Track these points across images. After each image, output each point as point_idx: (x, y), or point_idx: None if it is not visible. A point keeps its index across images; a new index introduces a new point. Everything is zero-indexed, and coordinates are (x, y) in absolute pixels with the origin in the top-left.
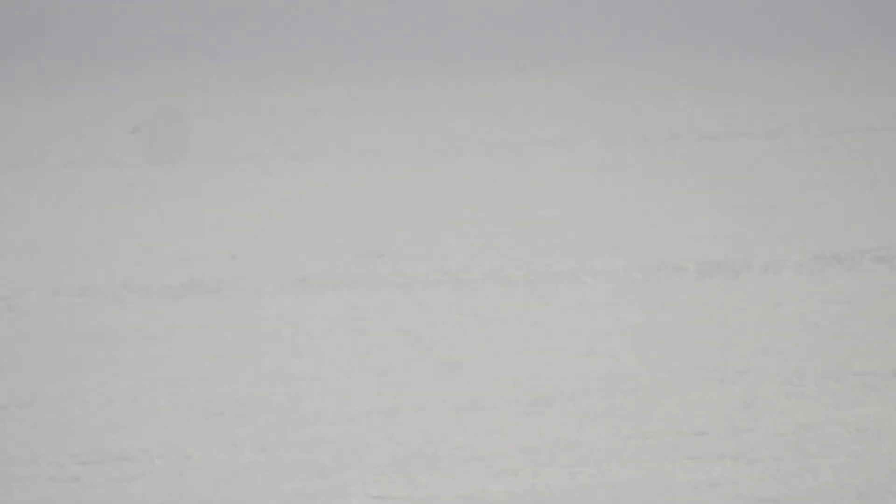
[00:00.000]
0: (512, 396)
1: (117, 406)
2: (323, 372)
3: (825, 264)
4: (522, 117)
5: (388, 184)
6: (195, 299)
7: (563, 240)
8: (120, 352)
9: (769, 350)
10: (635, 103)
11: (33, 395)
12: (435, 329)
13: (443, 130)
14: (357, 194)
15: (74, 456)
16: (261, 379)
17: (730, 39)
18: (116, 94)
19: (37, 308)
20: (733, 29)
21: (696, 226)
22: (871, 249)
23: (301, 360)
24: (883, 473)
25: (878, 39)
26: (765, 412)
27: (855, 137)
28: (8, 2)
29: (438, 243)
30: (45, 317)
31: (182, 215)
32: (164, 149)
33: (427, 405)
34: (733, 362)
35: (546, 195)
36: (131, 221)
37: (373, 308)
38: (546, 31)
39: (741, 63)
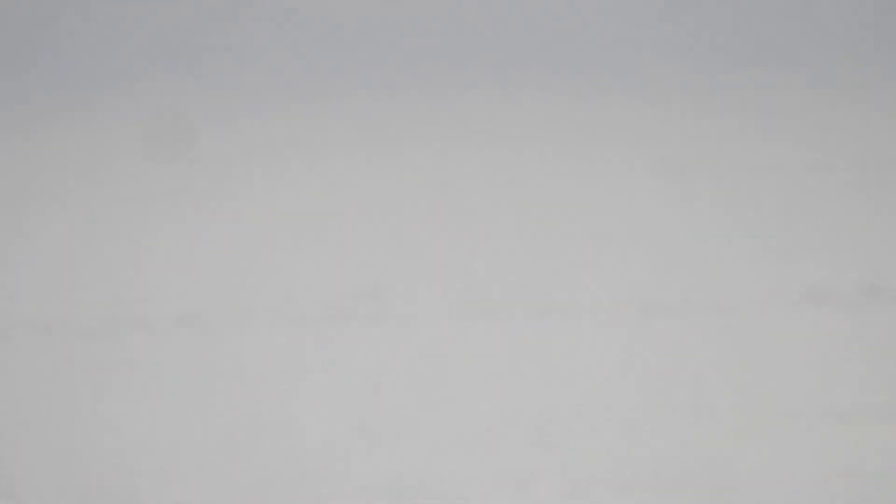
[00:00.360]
0: (503, 429)
1: (102, 440)
2: (310, 399)
3: (814, 299)
4: (526, 137)
5: (388, 206)
6: (185, 333)
7: (557, 270)
8: (105, 386)
9: (757, 384)
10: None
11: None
12: (427, 360)
13: (441, 153)
14: (354, 218)
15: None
16: (250, 413)
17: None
18: (118, 99)
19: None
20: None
21: (685, 258)
22: (860, 284)
23: (292, 391)
24: None
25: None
26: (751, 447)
27: (851, 169)
28: (15, 6)
29: (433, 275)
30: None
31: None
32: (165, 155)
33: (416, 436)
34: (718, 396)
35: (543, 221)
36: (126, 250)
37: (368, 338)
38: (543, 40)
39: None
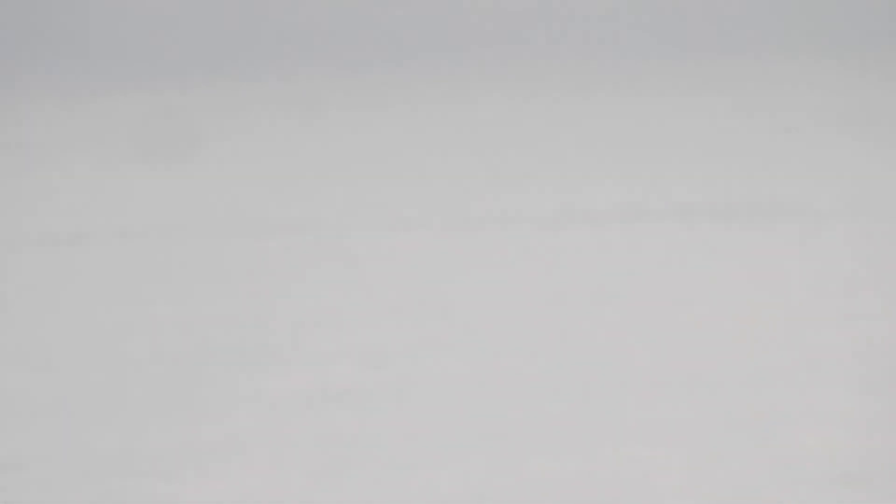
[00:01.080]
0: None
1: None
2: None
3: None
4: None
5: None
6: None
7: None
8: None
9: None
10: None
11: None
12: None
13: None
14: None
15: None
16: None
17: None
18: (122, 96)
19: None
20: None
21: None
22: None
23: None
24: None
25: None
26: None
27: None
28: (28, 9)
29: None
30: None
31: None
32: (163, 146)
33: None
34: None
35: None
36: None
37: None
38: (542, 35)
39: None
